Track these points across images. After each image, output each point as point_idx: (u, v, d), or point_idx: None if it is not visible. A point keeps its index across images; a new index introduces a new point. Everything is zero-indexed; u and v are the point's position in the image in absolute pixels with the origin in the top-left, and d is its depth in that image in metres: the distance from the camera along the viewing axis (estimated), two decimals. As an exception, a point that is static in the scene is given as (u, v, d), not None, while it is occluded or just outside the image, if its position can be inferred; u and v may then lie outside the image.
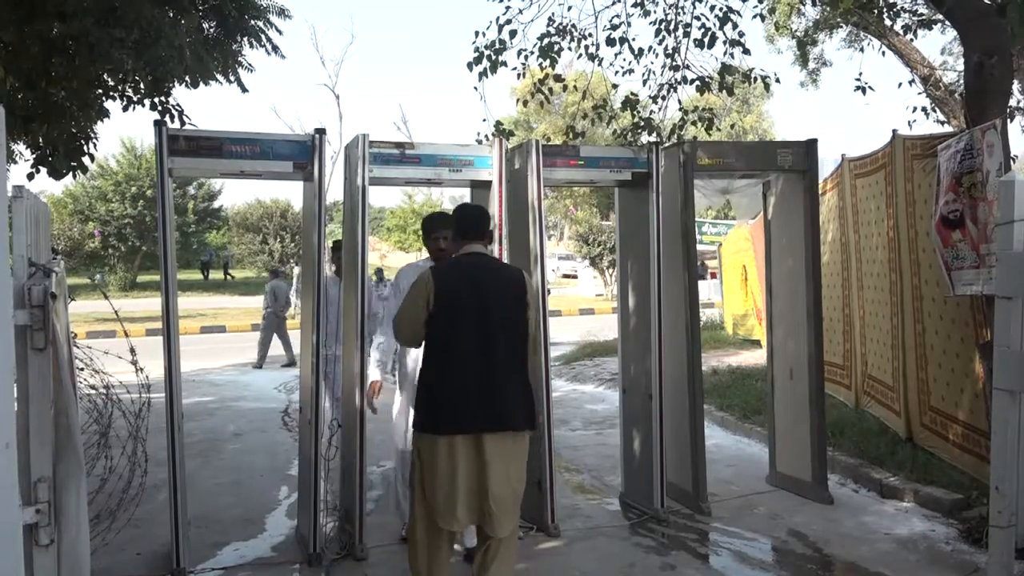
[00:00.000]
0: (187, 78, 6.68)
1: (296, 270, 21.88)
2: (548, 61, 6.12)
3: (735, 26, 5.78)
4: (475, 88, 10.87)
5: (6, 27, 5.30)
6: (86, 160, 6.41)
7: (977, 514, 4.54)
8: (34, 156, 6.20)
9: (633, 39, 6.11)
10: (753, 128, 34.30)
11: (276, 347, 12.87)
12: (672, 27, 6.04)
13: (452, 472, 3.25)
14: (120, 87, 6.55)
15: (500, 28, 6.04)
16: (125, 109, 6.58)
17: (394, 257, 40.50)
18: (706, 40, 5.82)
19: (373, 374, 4.44)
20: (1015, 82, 7.61)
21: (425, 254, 4.46)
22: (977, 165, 4.51)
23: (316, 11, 70.10)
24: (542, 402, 4.71)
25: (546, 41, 6.14)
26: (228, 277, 34.94)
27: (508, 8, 6.07)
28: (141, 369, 4.07)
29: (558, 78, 6.25)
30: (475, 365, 3.30)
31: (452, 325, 3.32)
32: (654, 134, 5.68)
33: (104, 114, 6.55)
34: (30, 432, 2.05)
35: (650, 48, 6.15)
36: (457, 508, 3.26)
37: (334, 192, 31.65)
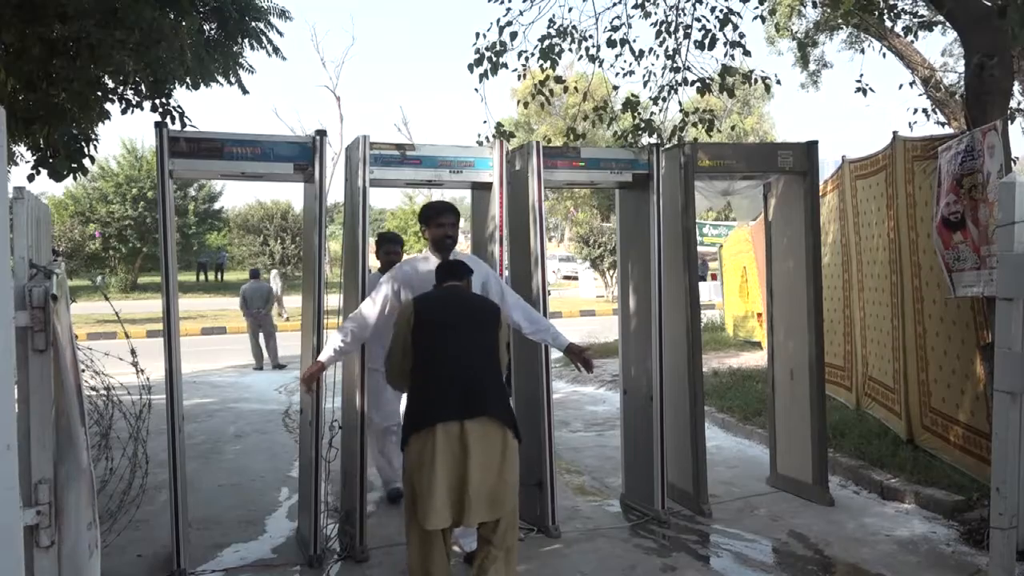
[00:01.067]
0: (188, 80, 6.69)
1: (273, 272, 21.97)
2: (549, 63, 6.12)
3: (735, 28, 5.79)
4: (476, 90, 10.93)
5: (7, 29, 5.30)
6: (87, 162, 6.40)
7: (978, 516, 4.54)
8: (35, 158, 6.20)
9: (634, 41, 6.12)
10: (754, 130, 34.32)
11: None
12: (673, 29, 6.05)
13: (431, 469, 3.26)
14: (121, 89, 6.55)
15: (501, 30, 6.05)
16: (125, 111, 6.58)
17: (395, 259, 40.43)
18: (707, 42, 5.83)
19: (324, 354, 3.99)
20: (1016, 83, 7.61)
21: (423, 253, 4.32)
22: (978, 167, 4.51)
23: (317, 13, 70.17)
24: (542, 404, 4.72)
25: (547, 43, 6.14)
26: (218, 279, 34.71)
27: (509, 10, 6.08)
28: (142, 370, 4.08)
29: (559, 80, 6.25)
30: (453, 369, 3.41)
31: (432, 340, 3.46)
32: (655, 135, 5.69)
33: (105, 115, 6.55)
34: (31, 434, 2.05)
35: (651, 50, 6.16)
36: (436, 505, 3.26)
37: (335, 194, 31.72)
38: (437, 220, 4.11)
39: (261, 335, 12.70)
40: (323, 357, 3.99)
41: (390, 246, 5.63)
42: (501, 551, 3.43)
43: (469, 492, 3.25)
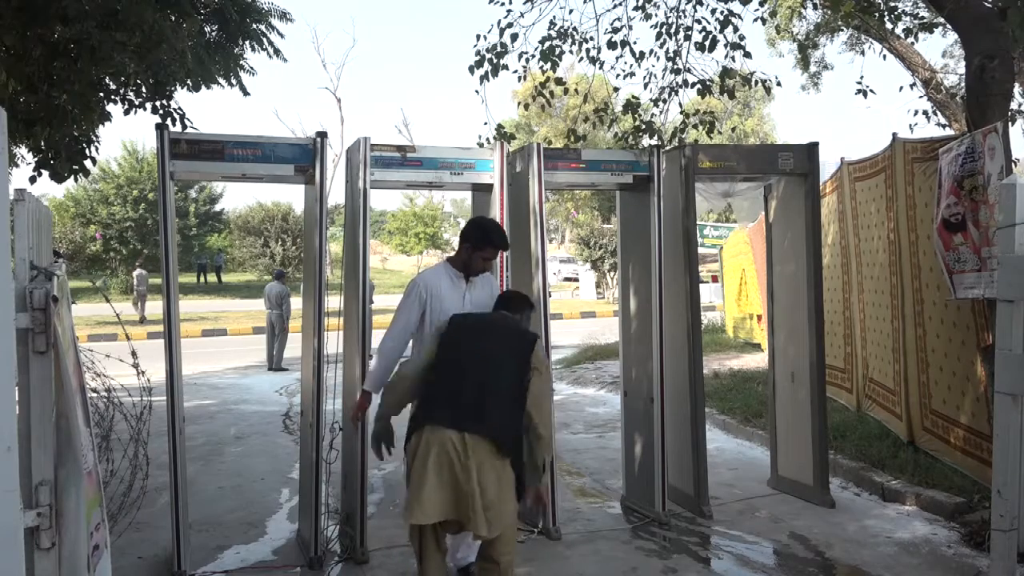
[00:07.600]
0: (189, 81, 6.70)
1: (137, 271, 22.01)
2: (549, 64, 6.12)
3: (736, 29, 5.78)
4: (476, 91, 10.87)
5: (8, 30, 5.30)
6: (88, 163, 6.41)
7: (979, 518, 4.53)
8: (36, 159, 6.20)
9: (634, 42, 6.11)
10: (754, 131, 34.34)
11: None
12: (673, 30, 6.04)
13: (424, 466, 3.25)
14: (122, 90, 6.56)
15: (501, 31, 6.04)
16: (127, 113, 6.59)
17: (395, 260, 40.53)
18: (707, 43, 5.82)
19: (367, 383, 4.01)
20: (1016, 85, 7.61)
21: (435, 260, 4.30)
22: (979, 168, 4.51)
23: (318, 15, 70.27)
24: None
25: (547, 44, 6.14)
26: (218, 280, 34.59)
27: (509, 12, 6.08)
28: (142, 372, 4.07)
29: (559, 81, 6.25)
30: (468, 381, 3.37)
31: (453, 356, 3.47)
32: (655, 137, 5.68)
33: (106, 117, 6.56)
34: (31, 436, 2.05)
35: (651, 51, 6.15)
36: (423, 501, 3.23)
37: (335, 195, 31.73)
38: (485, 253, 3.93)
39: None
40: (368, 386, 3.98)
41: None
42: (499, 564, 3.47)
43: (475, 498, 3.23)
